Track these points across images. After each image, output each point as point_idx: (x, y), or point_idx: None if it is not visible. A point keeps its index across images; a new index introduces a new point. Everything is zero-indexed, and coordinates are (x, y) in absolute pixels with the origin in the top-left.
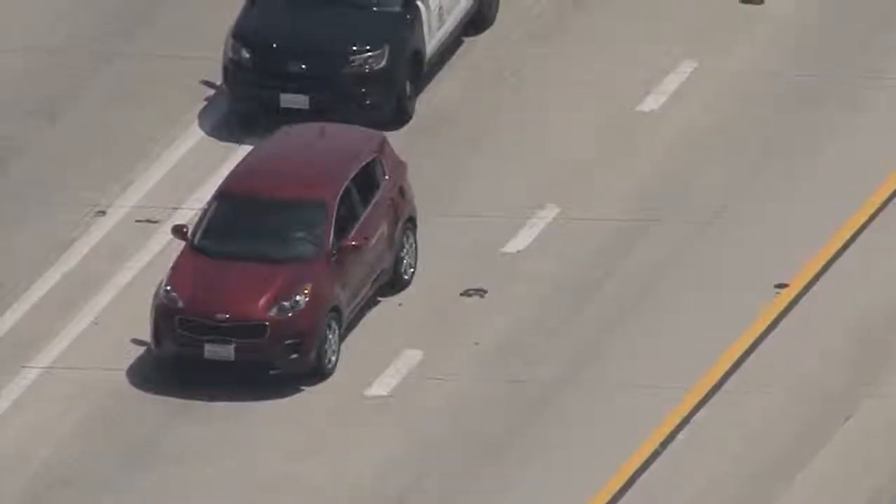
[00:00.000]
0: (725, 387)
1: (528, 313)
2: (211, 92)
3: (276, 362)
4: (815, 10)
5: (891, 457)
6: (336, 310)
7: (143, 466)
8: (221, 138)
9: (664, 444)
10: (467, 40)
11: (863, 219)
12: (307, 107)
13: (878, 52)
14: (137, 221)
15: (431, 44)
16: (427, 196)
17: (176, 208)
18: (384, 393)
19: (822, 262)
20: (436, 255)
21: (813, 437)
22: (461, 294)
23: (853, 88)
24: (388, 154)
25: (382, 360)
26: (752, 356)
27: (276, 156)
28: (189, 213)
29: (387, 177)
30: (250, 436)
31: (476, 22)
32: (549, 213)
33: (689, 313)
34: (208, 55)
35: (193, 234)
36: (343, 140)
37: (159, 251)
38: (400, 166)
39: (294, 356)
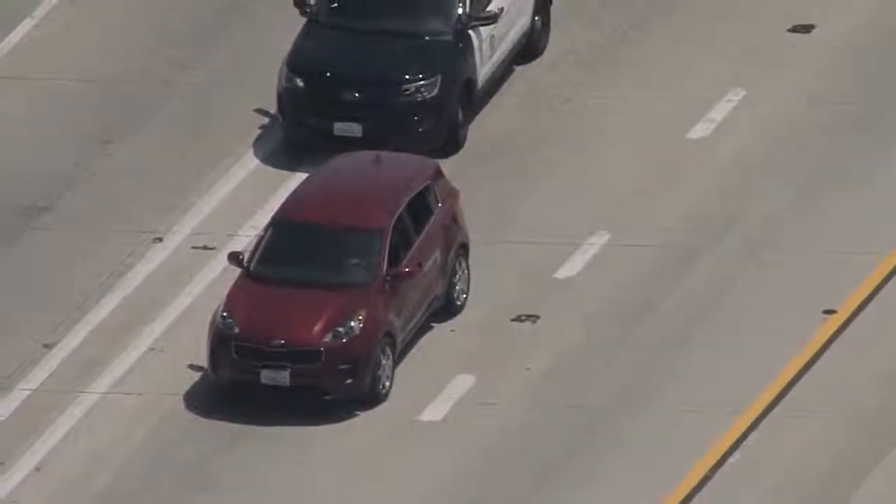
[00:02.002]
0: (776, 410)
1: (580, 338)
2: (266, 120)
3: (330, 388)
4: (863, 37)
5: None
6: (390, 335)
7: (203, 490)
8: (276, 166)
9: (716, 466)
10: (518, 68)
11: None
12: (361, 135)
13: None
14: (194, 248)
15: (483, 72)
16: (479, 222)
17: (232, 235)
18: (437, 418)
19: (871, 288)
20: (488, 280)
21: (863, 460)
22: (513, 320)
23: None
24: (441, 181)
25: (435, 386)
26: (803, 380)
27: (330, 183)
28: (245, 240)
29: (440, 204)
30: (307, 460)
31: (527, 50)
32: (601, 238)
33: (739, 338)
34: (263, 84)
35: (249, 261)
36: (397, 168)
37: (215, 278)
38: (453, 193)
39: (349, 381)
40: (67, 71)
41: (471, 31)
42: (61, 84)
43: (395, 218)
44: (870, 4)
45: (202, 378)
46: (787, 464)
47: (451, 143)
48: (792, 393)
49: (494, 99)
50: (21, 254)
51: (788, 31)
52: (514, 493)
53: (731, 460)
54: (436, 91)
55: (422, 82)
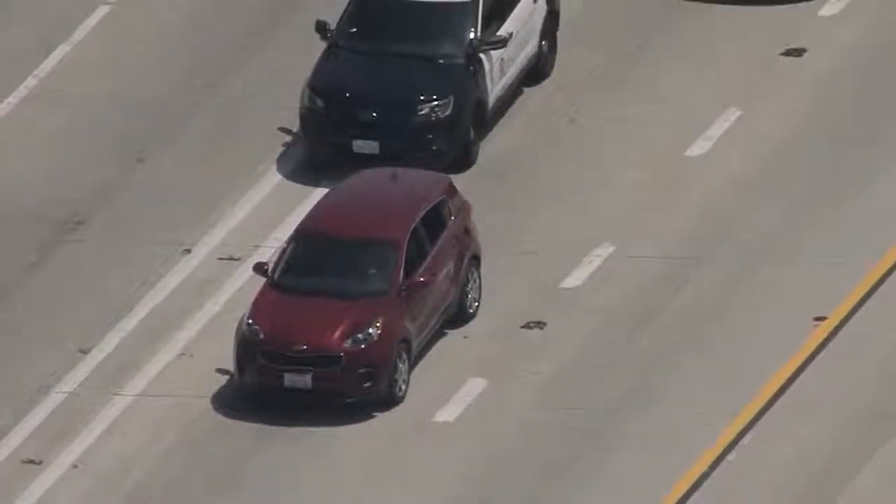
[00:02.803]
0: (771, 411)
1: (586, 344)
2: (289, 139)
3: (350, 391)
4: (850, 60)
5: None
6: (406, 341)
7: (230, 488)
8: (298, 182)
9: (714, 465)
10: (527, 90)
11: None
12: (378, 152)
13: None
14: (220, 259)
15: (493, 93)
16: (490, 235)
17: (257, 247)
18: (451, 419)
19: (860, 296)
20: (499, 289)
21: (854, 457)
22: (522, 326)
23: (888, 134)
24: (454, 196)
25: (449, 388)
26: (796, 383)
27: (350, 198)
28: (269, 251)
29: (453, 217)
30: (328, 459)
31: (535, 73)
32: (605, 250)
33: (735, 343)
34: (287, 105)
35: (273, 271)
36: (412, 183)
37: (241, 287)
38: (465, 207)
39: (367, 385)
40: (102, 91)
41: (482, 55)
42: (96, 103)
43: (411, 231)
44: (855, 31)
45: (229, 381)
46: (783, 462)
47: (464, 159)
48: (786, 395)
49: (504, 118)
50: (59, 264)
51: (781, 54)
52: (523, 491)
53: (728, 458)
54: (449, 111)
55: (436, 103)
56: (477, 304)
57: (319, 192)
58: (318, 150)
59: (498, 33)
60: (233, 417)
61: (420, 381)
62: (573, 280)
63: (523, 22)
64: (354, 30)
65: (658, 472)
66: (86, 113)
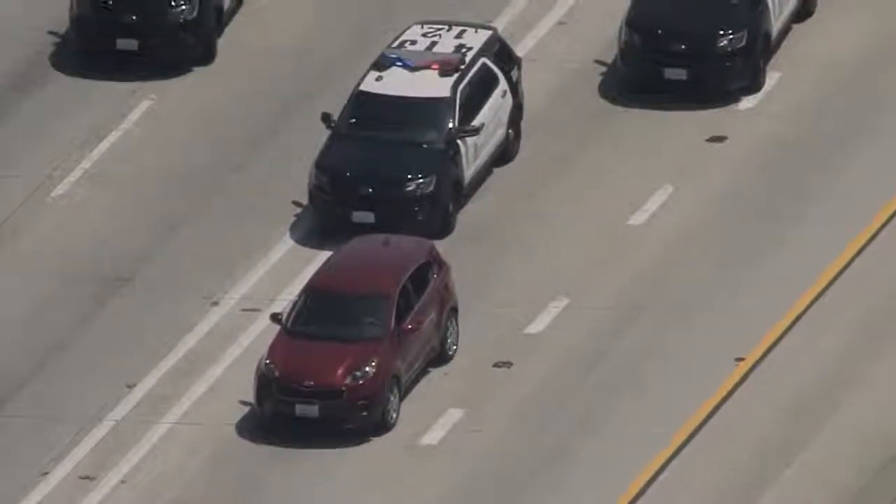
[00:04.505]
0: (698, 436)
1: (546, 380)
2: (299, 210)
3: (350, 419)
4: (765, 146)
5: (824, 499)
6: (396, 378)
7: (251, 501)
8: (307, 246)
9: (652, 480)
10: (496, 170)
11: (804, 305)
12: (374, 221)
13: (815, 179)
14: (243, 310)
15: (469, 172)
16: (466, 290)
17: (273, 300)
18: (434, 442)
19: (773, 340)
20: (473, 335)
21: (765, 476)
22: (493, 365)
23: (797, 208)
24: (436, 258)
25: (432, 417)
26: (719, 412)
27: (350, 259)
28: (283, 303)
29: (435, 275)
30: (331, 475)
31: (503, 156)
32: (562, 302)
33: (669, 380)
34: (298, 182)
35: (287, 320)
36: (402, 247)
37: (260, 333)
38: (445, 267)
39: (364, 414)
40: (144, 171)
41: (459, 141)
42: (139, 181)
43: (401, 287)
44: (768, 122)
45: (250, 411)
46: (709, 477)
47: (444, 228)
48: (710, 422)
49: (478, 193)
50: (109, 315)
51: (706, 140)
52: (495, 499)
53: (662, 477)
54: (432, 187)
55: (421, 180)
56: (455, 347)
57: (325, 255)
58: (323, 219)
59: (472, 123)
60: (253, 441)
61: (408, 411)
62: (535, 327)
63: (493, 114)
64: (354, 120)
65: (607, 485)
66: (130, 189)
